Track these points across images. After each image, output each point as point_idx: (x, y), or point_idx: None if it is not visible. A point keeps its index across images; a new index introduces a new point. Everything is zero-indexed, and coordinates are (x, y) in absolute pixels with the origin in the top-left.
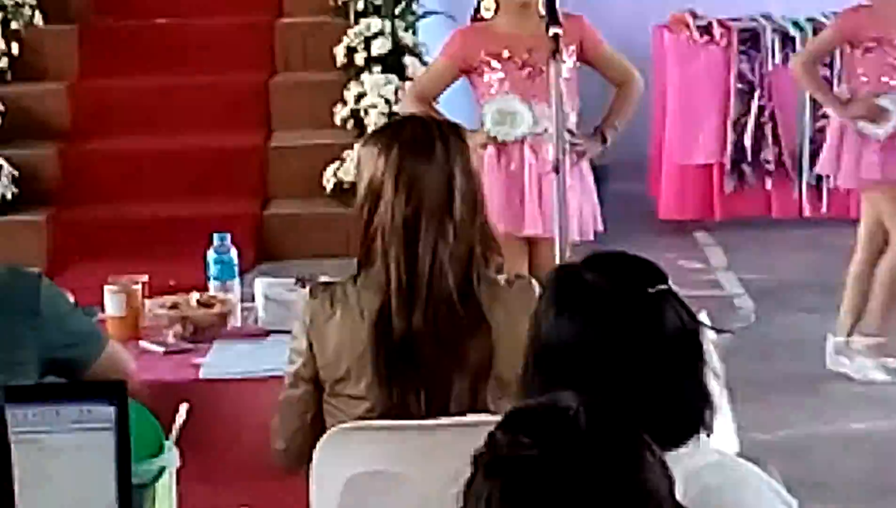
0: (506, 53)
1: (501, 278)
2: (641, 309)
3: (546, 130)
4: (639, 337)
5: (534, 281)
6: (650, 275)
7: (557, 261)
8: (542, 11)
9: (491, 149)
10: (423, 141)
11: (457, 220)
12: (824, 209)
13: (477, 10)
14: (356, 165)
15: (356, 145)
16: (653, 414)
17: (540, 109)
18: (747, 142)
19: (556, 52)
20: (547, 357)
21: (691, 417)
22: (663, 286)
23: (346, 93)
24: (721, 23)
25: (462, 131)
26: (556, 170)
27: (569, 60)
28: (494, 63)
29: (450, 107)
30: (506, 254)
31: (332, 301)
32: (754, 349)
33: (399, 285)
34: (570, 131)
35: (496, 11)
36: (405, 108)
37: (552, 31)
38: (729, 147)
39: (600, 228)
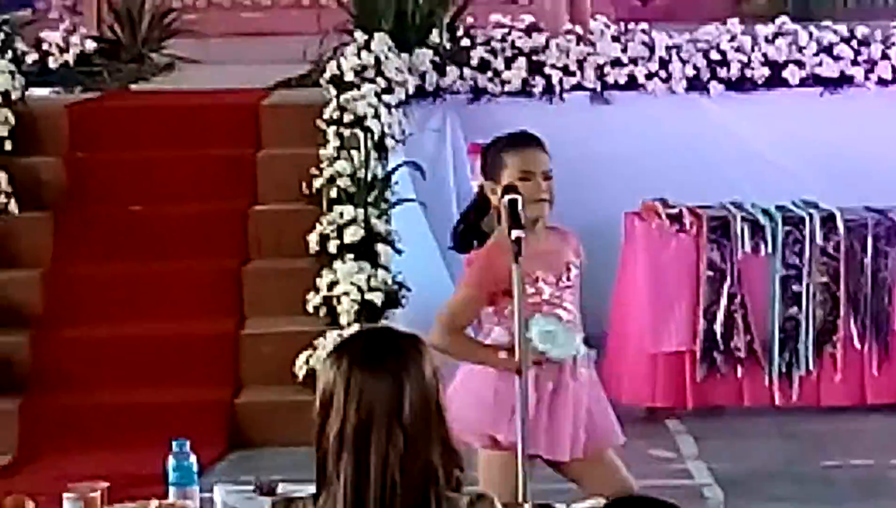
0: (538, 274)
1: (464, 498)
2: None
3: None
4: None
5: (496, 500)
6: None
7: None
8: (548, 224)
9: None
10: (374, 353)
11: (409, 433)
12: (795, 398)
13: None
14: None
15: (328, 333)
16: None
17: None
18: (718, 330)
19: (517, 256)
20: None
21: None
22: None
23: (318, 280)
24: (691, 211)
25: (419, 342)
26: (519, 373)
27: (574, 270)
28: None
29: None
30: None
31: None
32: None
33: (351, 504)
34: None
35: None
36: (436, 339)
37: (514, 234)
38: (700, 335)
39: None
